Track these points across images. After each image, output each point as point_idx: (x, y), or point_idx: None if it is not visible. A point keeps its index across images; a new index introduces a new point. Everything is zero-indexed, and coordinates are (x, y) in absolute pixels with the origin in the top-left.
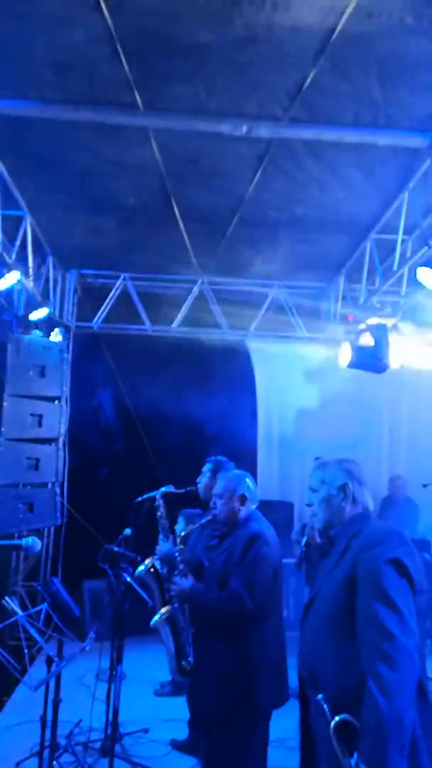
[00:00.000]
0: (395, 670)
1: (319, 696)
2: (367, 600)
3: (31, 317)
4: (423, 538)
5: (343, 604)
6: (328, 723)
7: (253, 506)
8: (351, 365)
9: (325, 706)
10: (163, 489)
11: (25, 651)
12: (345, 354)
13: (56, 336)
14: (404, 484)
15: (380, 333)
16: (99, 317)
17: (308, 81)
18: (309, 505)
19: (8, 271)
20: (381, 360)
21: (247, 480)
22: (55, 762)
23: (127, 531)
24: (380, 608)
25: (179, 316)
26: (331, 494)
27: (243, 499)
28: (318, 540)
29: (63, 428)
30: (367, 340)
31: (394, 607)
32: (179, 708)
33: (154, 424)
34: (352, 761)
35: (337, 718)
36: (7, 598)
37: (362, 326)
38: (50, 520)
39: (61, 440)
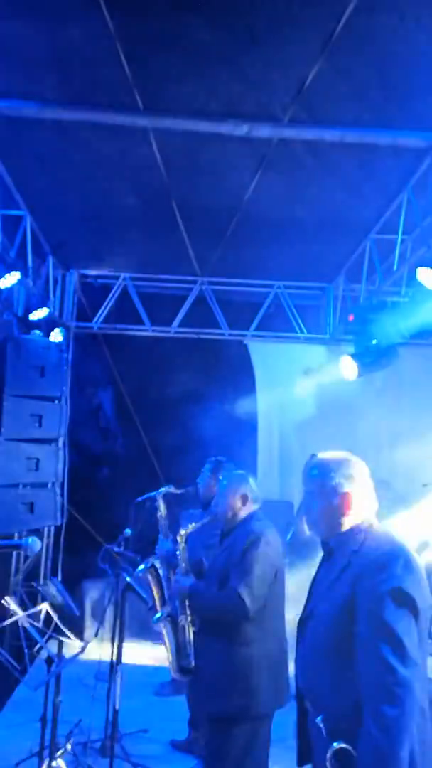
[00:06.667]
0: (396, 705)
1: (318, 718)
2: (367, 630)
3: (31, 317)
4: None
5: (342, 628)
6: (325, 744)
7: (255, 506)
8: (359, 374)
9: (322, 728)
10: (163, 489)
11: (25, 651)
12: (349, 367)
13: (56, 336)
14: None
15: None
16: (99, 317)
17: (308, 81)
18: (304, 513)
19: (8, 271)
20: (387, 356)
21: (250, 480)
22: (55, 762)
23: (127, 531)
24: (380, 641)
25: (179, 316)
26: (332, 504)
27: (244, 499)
28: (306, 533)
29: (63, 428)
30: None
31: (395, 639)
32: (179, 708)
33: (154, 424)
34: None
35: (335, 746)
36: (7, 598)
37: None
38: (50, 520)
39: (61, 440)
